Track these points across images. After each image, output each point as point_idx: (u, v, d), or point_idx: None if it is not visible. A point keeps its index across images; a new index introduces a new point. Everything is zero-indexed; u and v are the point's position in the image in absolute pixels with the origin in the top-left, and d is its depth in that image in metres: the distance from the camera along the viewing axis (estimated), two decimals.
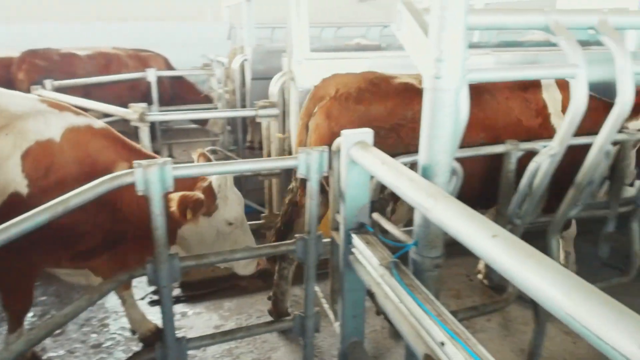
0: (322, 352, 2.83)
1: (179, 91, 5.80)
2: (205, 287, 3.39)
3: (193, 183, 2.28)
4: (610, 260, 2.90)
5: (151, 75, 5.01)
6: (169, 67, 5.98)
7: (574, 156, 2.23)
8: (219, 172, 1.91)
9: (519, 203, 2.28)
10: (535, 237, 2.15)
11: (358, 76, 2.56)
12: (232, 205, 2.32)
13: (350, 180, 1.88)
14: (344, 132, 1.85)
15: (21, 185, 2.08)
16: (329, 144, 2.00)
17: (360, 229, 1.93)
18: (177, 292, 3.41)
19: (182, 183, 2.11)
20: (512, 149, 2.38)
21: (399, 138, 2.41)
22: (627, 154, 2.58)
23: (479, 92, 2.41)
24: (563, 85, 2.62)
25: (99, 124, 2.38)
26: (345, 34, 8.94)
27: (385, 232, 1.98)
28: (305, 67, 3.34)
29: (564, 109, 2.45)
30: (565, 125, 1.94)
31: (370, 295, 1.76)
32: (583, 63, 1.84)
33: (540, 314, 2.35)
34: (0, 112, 2.18)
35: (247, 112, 3.44)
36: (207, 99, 5.74)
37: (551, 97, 2.65)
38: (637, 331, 0.75)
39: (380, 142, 2.10)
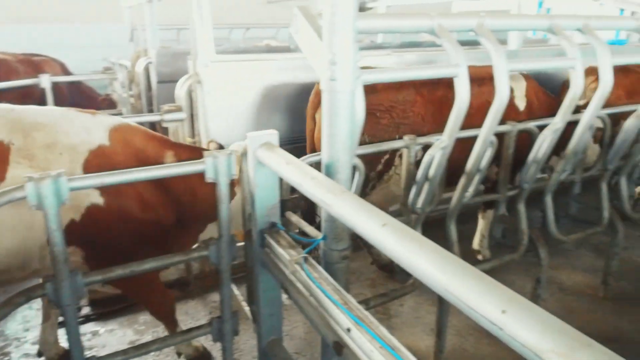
0: (243, 354, 2.84)
1: (78, 97, 5.44)
2: (118, 302, 3.23)
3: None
4: (504, 239, 3.21)
5: (45, 81, 4.65)
6: (66, 72, 5.59)
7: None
8: (120, 181, 1.84)
9: (418, 193, 2.46)
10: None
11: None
12: None
13: (258, 181, 1.91)
14: (249, 134, 1.87)
15: (94, 196, 2.10)
16: None
17: (271, 228, 1.97)
18: (87, 310, 3.22)
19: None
20: (411, 144, 2.55)
21: (391, 118, 2.84)
22: (510, 144, 2.88)
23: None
24: (527, 76, 3.35)
25: (129, 120, 2.46)
26: (255, 35, 8.93)
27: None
28: (211, 70, 3.31)
29: (527, 94, 3.30)
30: (451, 120, 2.13)
31: (286, 291, 1.81)
32: (464, 62, 2.03)
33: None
34: (40, 129, 2.08)
35: (151, 117, 3.33)
36: (110, 103, 5.45)
37: (516, 84, 3.27)
38: (500, 299, 0.87)
39: (377, 122, 2.74)
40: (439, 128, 2.37)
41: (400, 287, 2.70)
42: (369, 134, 2.78)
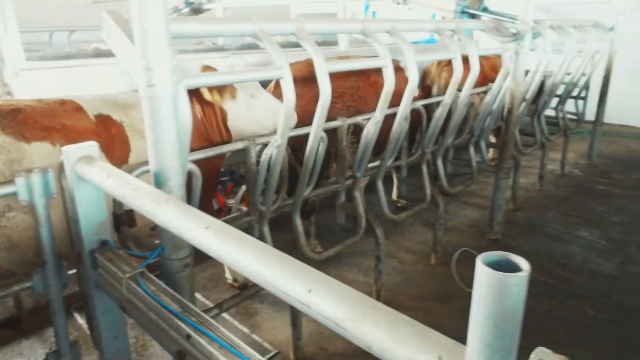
0: None
1: None
2: None
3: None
4: (347, 225, 3.48)
5: None
6: None
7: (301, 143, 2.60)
8: None
9: (261, 191, 2.53)
10: None
11: (303, 62, 3.07)
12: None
13: (81, 198, 1.77)
14: (64, 148, 1.72)
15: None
16: None
17: (103, 247, 1.85)
18: None
19: None
20: (250, 145, 2.61)
21: (343, 102, 3.28)
22: (342, 137, 3.12)
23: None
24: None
25: None
26: (84, 38, 8.13)
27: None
28: (22, 79, 2.94)
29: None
30: (281, 119, 2.24)
31: (124, 310, 1.72)
32: (286, 65, 2.15)
33: None
34: (132, 108, 2.27)
35: None
36: None
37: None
38: (307, 281, 0.96)
39: (331, 107, 2.78)
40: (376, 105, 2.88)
41: (252, 286, 2.75)
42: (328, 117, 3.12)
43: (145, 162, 2.12)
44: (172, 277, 1.79)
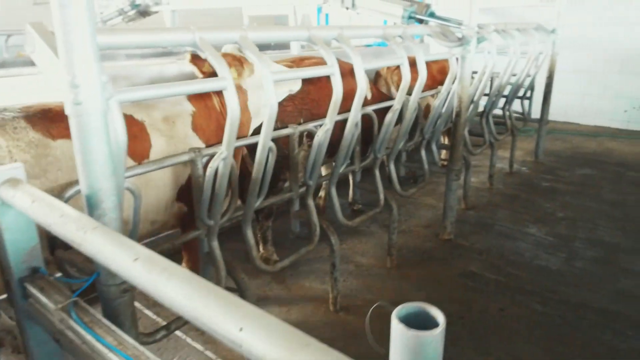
0: None
1: None
2: None
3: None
4: (303, 233, 3.44)
5: None
6: None
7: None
8: None
9: (207, 205, 2.45)
10: None
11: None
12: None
13: (7, 224, 1.65)
14: None
15: None
16: None
17: (34, 275, 1.72)
18: None
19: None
20: (197, 156, 2.52)
21: (294, 105, 3.34)
22: (294, 145, 3.08)
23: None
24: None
25: None
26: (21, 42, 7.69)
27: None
28: None
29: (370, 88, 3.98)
30: (227, 131, 2.17)
31: (57, 342, 1.61)
32: (229, 76, 2.08)
33: (247, 297, 2.61)
34: (153, 107, 2.43)
35: None
36: None
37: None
38: (238, 318, 0.91)
39: (283, 110, 3.19)
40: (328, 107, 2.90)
41: None
42: (279, 120, 3.11)
43: (77, 182, 2.02)
44: (110, 304, 1.70)
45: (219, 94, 2.62)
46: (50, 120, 2.07)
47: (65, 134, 2.02)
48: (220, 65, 2.06)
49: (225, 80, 2.07)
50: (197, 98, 2.64)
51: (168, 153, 2.35)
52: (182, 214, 2.61)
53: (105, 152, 1.58)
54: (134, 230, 2.05)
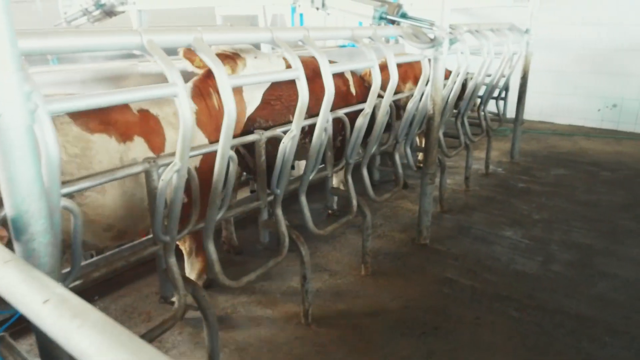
0: None
1: None
2: None
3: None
4: (270, 244, 3.29)
5: None
6: None
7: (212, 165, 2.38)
8: None
9: (161, 220, 2.29)
10: None
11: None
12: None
13: None
14: None
15: None
16: None
17: None
18: None
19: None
20: (152, 167, 2.35)
21: (282, 103, 3.43)
22: (260, 152, 2.93)
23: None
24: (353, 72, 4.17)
25: None
26: None
27: None
28: None
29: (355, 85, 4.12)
30: (180, 140, 2.01)
31: None
32: (181, 81, 1.92)
33: (208, 316, 2.46)
34: (164, 103, 2.61)
35: None
36: None
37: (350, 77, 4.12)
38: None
39: (272, 108, 3.40)
40: (316, 105, 2.94)
41: (169, 318, 2.49)
42: (270, 119, 3.40)
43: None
44: (43, 337, 1.52)
45: (219, 93, 2.64)
46: (86, 115, 2.20)
47: (100, 128, 2.24)
48: (170, 70, 1.90)
49: (176, 86, 1.91)
50: (199, 97, 2.78)
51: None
52: (184, 204, 2.74)
53: (31, 171, 1.41)
54: (75, 254, 1.87)
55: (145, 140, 2.44)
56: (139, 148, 2.41)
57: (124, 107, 2.43)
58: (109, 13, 6.50)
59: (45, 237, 1.48)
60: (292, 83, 2.96)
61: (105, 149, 2.24)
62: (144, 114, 2.50)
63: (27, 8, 7.37)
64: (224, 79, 2.10)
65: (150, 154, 2.42)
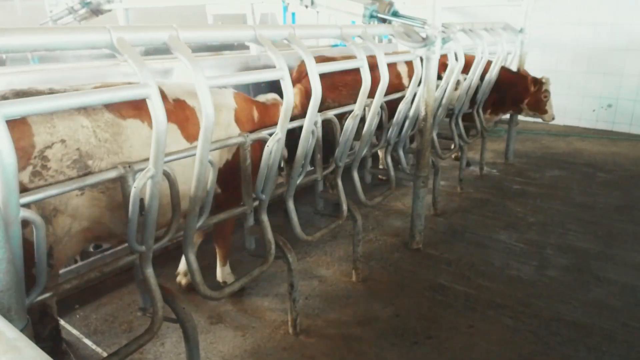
0: None
1: None
2: None
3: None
4: (257, 251, 3.17)
5: None
6: None
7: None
8: None
9: (135, 229, 2.16)
10: None
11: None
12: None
13: None
14: None
15: None
16: None
17: None
18: None
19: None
20: (127, 173, 2.22)
21: (347, 90, 4.04)
22: (246, 155, 2.80)
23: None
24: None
25: None
26: None
27: None
28: None
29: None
30: (153, 145, 1.89)
31: None
32: (153, 81, 1.80)
33: (187, 329, 2.34)
34: (190, 95, 2.63)
35: None
36: None
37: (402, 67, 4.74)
38: None
39: (339, 93, 4.09)
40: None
41: (145, 332, 2.36)
42: (337, 101, 3.99)
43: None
44: None
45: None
46: (120, 102, 2.21)
47: (132, 114, 2.27)
48: (141, 70, 1.77)
49: (148, 87, 1.79)
50: (238, 96, 3.04)
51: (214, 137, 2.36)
52: (217, 194, 2.89)
53: None
54: (40, 268, 1.74)
55: (179, 127, 2.48)
56: (171, 134, 2.41)
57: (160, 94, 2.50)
58: (96, 11, 6.36)
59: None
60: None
61: (137, 134, 2.25)
62: (180, 103, 2.56)
63: (9, 6, 7.22)
64: (200, 78, 1.98)
65: (183, 142, 2.48)
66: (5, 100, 1.39)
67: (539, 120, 6.22)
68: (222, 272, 3.50)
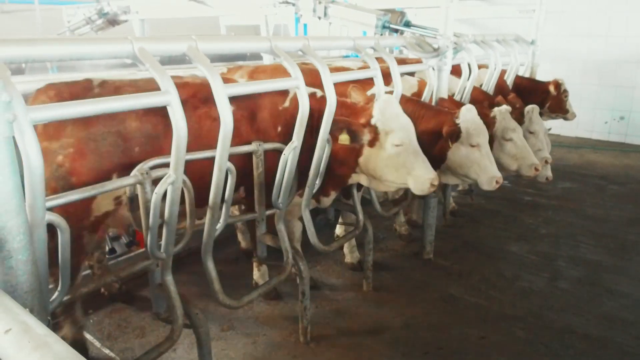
0: None
1: None
2: None
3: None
4: (269, 258, 3.19)
5: None
6: None
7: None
8: None
9: (156, 235, 2.20)
10: None
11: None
12: (396, 130, 2.82)
13: None
14: None
15: None
16: None
17: None
18: None
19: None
20: (145, 179, 2.26)
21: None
22: (258, 164, 2.84)
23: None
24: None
25: None
26: None
27: None
28: None
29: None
30: (174, 152, 1.94)
31: None
32: (173, 89, 1.85)
33: (201, 335, 2.36)
34: None
35: None
36: None
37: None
38: None
39: None
40: None
41: (165, 340, 2.36)
42: None
43: None
44: None
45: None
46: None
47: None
48: (163, 79, 1.82)
49: (168, 94, 1.83)
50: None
51: None
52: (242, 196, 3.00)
53: (9, 185, 1.33)
54: (63, 272, 1.78)
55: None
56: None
57: None
58: (112, 22, 6.48)
59: (24, 255, 1.39)
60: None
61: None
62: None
63: (30, 16, 7.39)
64: (219, 87, 2.03)
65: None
66: (33, 107, 1.44)
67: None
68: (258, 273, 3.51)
